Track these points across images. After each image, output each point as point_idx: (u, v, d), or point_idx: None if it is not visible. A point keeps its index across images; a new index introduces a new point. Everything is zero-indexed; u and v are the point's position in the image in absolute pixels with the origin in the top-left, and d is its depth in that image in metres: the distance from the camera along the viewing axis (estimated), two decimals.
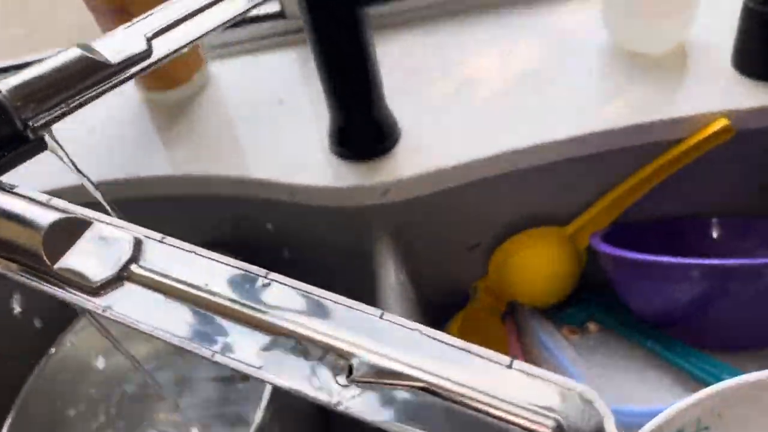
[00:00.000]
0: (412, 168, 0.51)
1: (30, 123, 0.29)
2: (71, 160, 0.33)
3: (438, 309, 0.59)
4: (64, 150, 0.32)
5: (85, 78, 0.30)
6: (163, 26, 0.33)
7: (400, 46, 0.62)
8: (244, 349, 0.19)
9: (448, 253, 0.58)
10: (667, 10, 0.53)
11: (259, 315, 0.20)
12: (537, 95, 0.54)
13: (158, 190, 0.56)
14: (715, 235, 0.54)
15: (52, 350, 0.57)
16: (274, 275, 0.21)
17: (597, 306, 0.58)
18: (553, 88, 0.54)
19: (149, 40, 0.32)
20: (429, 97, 0.56)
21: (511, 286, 0.57)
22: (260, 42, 0.66)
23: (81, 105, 0.31)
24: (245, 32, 0.66)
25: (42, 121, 0.29)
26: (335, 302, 0.20)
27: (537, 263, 0.56)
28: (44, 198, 0.26)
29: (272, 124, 0.57)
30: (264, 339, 0.19)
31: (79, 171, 0.33)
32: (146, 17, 0.34)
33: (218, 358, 0.19)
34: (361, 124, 0.52)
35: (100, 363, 0.59)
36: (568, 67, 0.56)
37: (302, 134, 0.56)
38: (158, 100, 0.62)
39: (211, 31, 0.34)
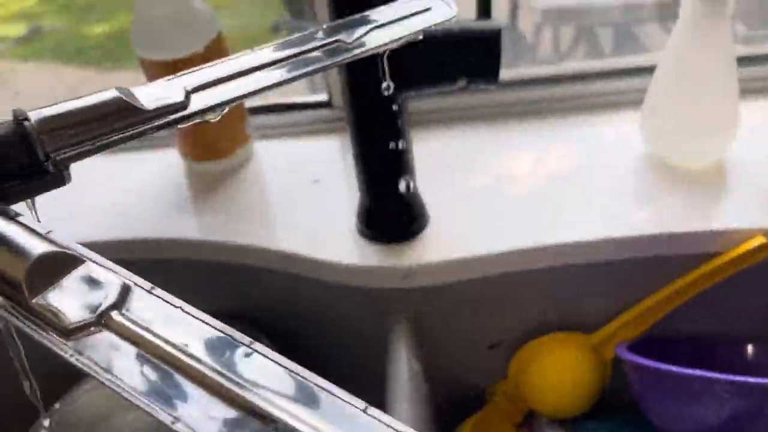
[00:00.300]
0: (436, 254, 0.51)
1: (52, 155, 0.29)
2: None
3: (450, 408, 0.57)
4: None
5: (117, 119, 0.30)
6: (205, 82, 0.34)
7: (438, 140, 0.63)
8: (205, 421, 0.18)
9: (467, 348, 0.56)
10: (709, 127, 0.54)
11: (231, 386, 0.18)
12: (569, 197, 0.54)
13: (182, 254, 0.57)
14: (750, 357, 0.51)
15: (57, 406, 0.56)
16: (258, 346, 0.19)
17: (620, 423, 0.54)
18: (585, 192, 0.54)
19: (188, 93, 0.33)
20: (461, 188, 0.56)
21: (530, 392, 0.54)
22: (306, 127, 0.68)
23: (108, 146, 0.31)
24: (293, 117, 0.69)
25: (65, 155, 0.29)
26: (318, 386, 0.18)
27: (559, 370, 0.53)
28: (43, 230, 0.26)
29: (305, 202, 0.58)
30: (230, 413, 0.18)
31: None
32: (191, 72, 0.35)
33: (178, 426, 0.18)
34: (388, 207, 0.52)
35: (107, 422, 0.57)
36: (602, 173, 0.56)
37: (333, 214, 0.56)
38: (200, 170, 0.64)
39: (251, 93, 0.35)
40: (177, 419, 0.18)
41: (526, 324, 0.55)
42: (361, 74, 0.46)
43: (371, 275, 0.51)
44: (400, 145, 0.49)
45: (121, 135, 0.30)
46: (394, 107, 0.47)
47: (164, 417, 0.18)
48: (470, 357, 0.56)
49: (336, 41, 0.34)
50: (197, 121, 0.33)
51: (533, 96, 0.64)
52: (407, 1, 0.36)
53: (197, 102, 0.33)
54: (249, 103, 0.67)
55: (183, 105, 0.32)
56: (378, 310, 0.53)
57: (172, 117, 0.31)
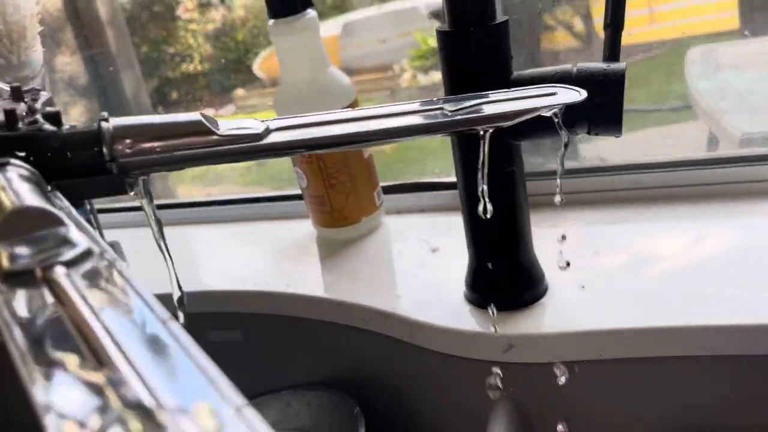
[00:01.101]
0: (545, 326, 0.45)
1: (119, 159, 0.29)
2: (153, 211, 0.34)
3: None
4: (149, 197, 0.33)
5: (187, 137, 0.31)
6: (289, 124, 0.33)
7: (580, 219, 0.58)
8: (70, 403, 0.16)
9: None
10: None
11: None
12: (719, 282, 0.45)
13: (295, 311, 0.56)
14: None
15: None
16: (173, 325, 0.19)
17: None
18: (738, 278, 0.45)
19: (268, 129, 0.32)
20: (594, 265, 0.50)
21: None
22: (436, 205, 0.67)
23: (175, 161, 0.31)
24: (425, 196, 0.68)
25: (129, 160, 0.30)
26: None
27: None
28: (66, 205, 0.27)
29: (419, 269, 0.55)
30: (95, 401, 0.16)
31: (157, 219, 0.34)
32: (287, 117, 0.34)
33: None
34: (496, 272, 0.48)
35: None
36: (760, 261, 0.46)
37: (445, 280, 0.53)
38: (328, 236, 0.65)
39: (332, 142, 0.33)
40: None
41: (651, 425, 0.45)
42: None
43: (469, 343, 0.46)
44: (513, 205, 0.45)
45: (190, 153, 0.31)
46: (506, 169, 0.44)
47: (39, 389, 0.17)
48: None
49: (438, 108, 0.33)
50: (274, 157, 0.33)
51: (682, 179, 0.57)
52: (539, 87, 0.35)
53: (275, 138, 0.32)
54: (383, 180, 0.67)
55: (259, 137, 0.32)
56: (479, 386, 0.47)
57: (245, 145, 0.31)
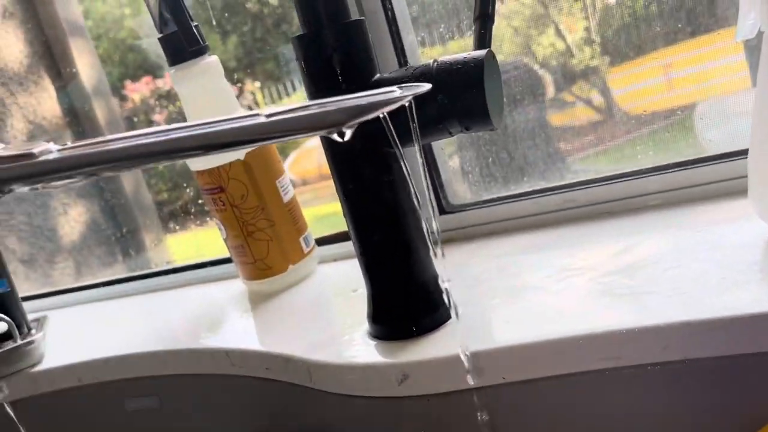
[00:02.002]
0: (442, 350, 0.39)
1: None
2: None
3: None
4: None
5: None
6: (81, 145, 0.30)
7: (496, 247, 0.53)
8: None
9: None
10: None
11: None
12: (650, 284, 0.39)
13: (211, 367, 0.52)
14: None
15: None
16: None
17: None
18: (671, 278, 0.39)
19: (50, 149, 0.29)
20: (508, 287, 0.45)
21: None
22: None
23: None
24: None
25: None
26: None
27: None
28: None
29: (334, 310, 0.51)
30: None
31: None
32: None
33: None
34: (390, 298, 0.43)
35: None
36: (697, 258, 0.41)
37: (353, 319, 0.48)
38: (255, 289, 0.61)
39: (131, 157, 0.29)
40: None
41: None
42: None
43: (361, 378, 0.41)
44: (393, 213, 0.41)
45: None
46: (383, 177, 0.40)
47: None
48: None
49: (254, 115, 0.30)
50: (51, 180, 0.29)
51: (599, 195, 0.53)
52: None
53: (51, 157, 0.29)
54: (319, 232, 0.64)
55: (33, 155, 0.28)
56: (383, 427, 0.41)
57: (20, 165, 0.28)
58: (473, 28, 0.40)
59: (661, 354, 0.35)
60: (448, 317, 0.42)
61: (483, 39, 0.40)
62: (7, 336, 0.61)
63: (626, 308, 0.37)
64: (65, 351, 0.60)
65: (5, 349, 0.58)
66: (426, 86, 0.32)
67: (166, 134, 0.29)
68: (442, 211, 0.58)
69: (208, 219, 0.95)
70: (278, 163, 0.59)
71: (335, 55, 0.39)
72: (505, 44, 0.68)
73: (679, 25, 0.55)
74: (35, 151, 0.28)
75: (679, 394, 0.36)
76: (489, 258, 0.51)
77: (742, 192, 0.42)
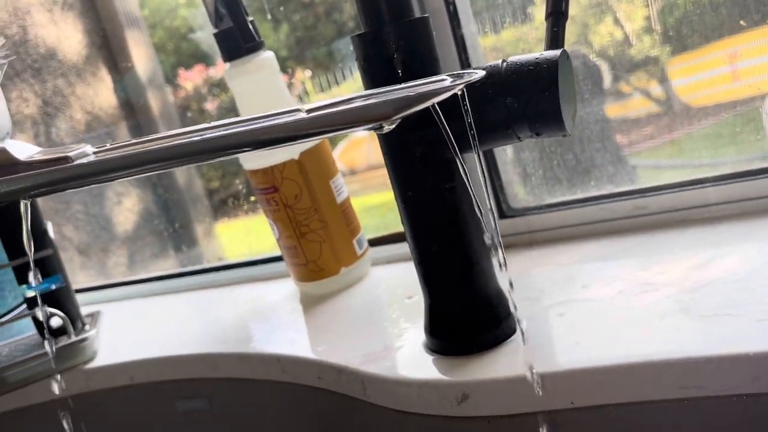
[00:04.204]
0: (509, 367, 0.37)
1: None
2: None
3: None
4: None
5: None
6: (118, 146, 0.28)
7: (564, 255, 0.50)
8: None
9: None
10: None
11: None
12: (738, 304, 0.36)
13: (257, 372, 0.51)
14: None
15: None
16: None
17: None
18: (760, 299, 0.36)
19: (86, 152, 0.28)
20: (580, 300, 0.42)
21: None
22: None
23: None
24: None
25: None
26: None
27: None
28: None
29: (388, 318, 0.49)
30: None
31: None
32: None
33: None
34: (449, 310, 0.40)
35: None
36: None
37: (410, 328, 0.46)
38: (307, 291, 0.59)
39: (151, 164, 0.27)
40: None
41: None
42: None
43: (419, 396, 0.39)
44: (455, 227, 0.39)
45: None
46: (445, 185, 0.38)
47: None
48: None
49: (294, 111, 0.28)
50: (90, 183, 0.28)
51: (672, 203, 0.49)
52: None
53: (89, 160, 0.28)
54: (366, 222, 0.62)
55: (68, 159, 0.27)
56: None
57: (56, 170, 0.27)
58: (546, 25, 0.38)
59: (750, 386, 0.32)
60: (512, 333, 0.40)
61: (556, 38, 0.37)
62: (61, 331, 0.61)
63: (710, 331, 0.34)
64: (118, 348, 0.60)
65: (60, 345, 0.58)
66: (480, 73, 0.30)
67: (201, 134, 0.27)
68: (502, 215, 0.56)
69: (258, 206, 0.95)
70: (332, 164, 0.57)
71: (397, 55, 0.37)
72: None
73: (745, 13, 0.51)
74: (71, 154, 0.26)
75: None
76: (554, 267, 0.48)
77: None
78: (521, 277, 0.48)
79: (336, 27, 1.08)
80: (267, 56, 0.54)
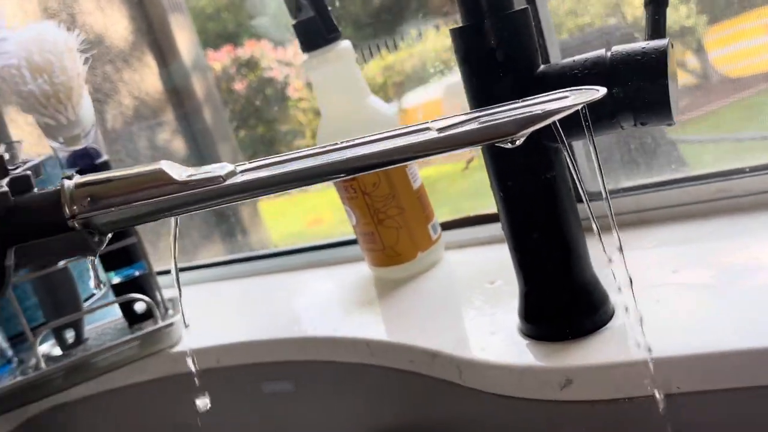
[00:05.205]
0: (611, 354, 0.38)
1: (79, 216, 0.28)
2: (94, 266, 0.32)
3: None
4: (96, 254, 0.30)
5: (147, 188, 0.28)
6: (257, 165, 0.30)
7: (660, 237, 0.50)
8: None
9: None
10: None
11: None
12: None
13: (347, 356, 0.52)
14: None
15: None
16: None
17: None
18: None
19: (233, 172, 0.29)
20: (672, 284, 0.43)
21: None
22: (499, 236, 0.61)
23: (138, 216, 0.28)
24: (485, 230, 0.62)
25: (90, 217, 0.28)
26: None
27: None
28: None
29: (473, 302, 0.50)
30: None
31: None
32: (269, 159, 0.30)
33: None
34: (547, 296, 0.41)
35: None
36: None
37: (496, 313, 0.47)
38: (383, 276, 0.61)
39: (302, 175, 0.28)
40: None
41: None
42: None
43: (520, 381, 0.40)
44: (556, 215, 0.40)
45: (152, 206, 0.28)
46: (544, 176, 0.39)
47: None
48: None
49: (425, 129, 0.29)
50: (240, 200, 0.29)
51: (755, 186, 0.49)
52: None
53: (238, 179, 0.29)
54: (442, 218, 0.63)
55: (219, 179, 0.28)
56: (536, 429, 0.40)
57: (208, 190, 0.28)
58: (645, 13, 0.38)
59: None
60: (608, 319, 0.41)
61: (657, 26, 0.37)
62: (146, 316, 0.63)
63: None
64: (201, 332, 0.62)
65: (147, 330, 0.61)
66: (602, 91, 0.30)
67: (341, 153, 0.28)
68: (579, 199, 0.56)
69: None
70: None
71: (498, 49, 0.37)
72: (592, 4, 0.64)
73: None
74: (222, 174, 0.28)
75: None
76: (641, 251, 0.49)
77: None
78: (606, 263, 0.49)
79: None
80: (345, 45, 0.55)
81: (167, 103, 1.36)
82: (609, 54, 0.36)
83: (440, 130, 0.27)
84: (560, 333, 0.41)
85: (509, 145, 0.27)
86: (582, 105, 0.28)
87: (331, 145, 0.28)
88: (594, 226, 0.35)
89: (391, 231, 0.58)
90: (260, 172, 0.27)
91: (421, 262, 0.59)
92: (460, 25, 0.38)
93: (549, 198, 0.39)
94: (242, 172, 0.28)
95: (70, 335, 0.63)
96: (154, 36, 1.36)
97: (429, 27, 1.07)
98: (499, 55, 0.37)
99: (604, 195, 0.33)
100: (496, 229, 0.61)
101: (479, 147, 0.32)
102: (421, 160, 0.28)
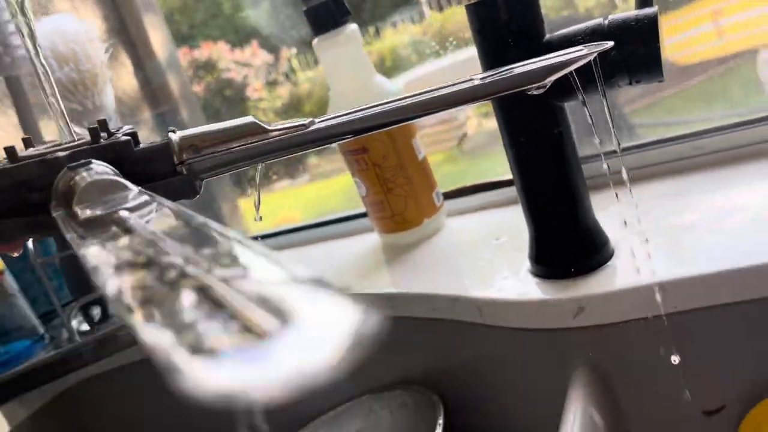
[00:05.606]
0: (617, 283, 0.43)
1: (186, 163, 0.33)
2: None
3: None
4: (196, 196, 0.35)
5: (243, 137, 0.33)
6: (331, 116, 0.34)
7: (643, 194, 0.57)
8: None
9: (671, 411, 0.45)
10: None
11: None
12: None
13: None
14: None
15: None
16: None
17: None
18: None
19: (313, 121, 0.33)
20: (664, 227, 0.49)
21: None
22: (496, 202, 0.67)
23: (237, 161, 0.34)
24: (485, 197, 0.68)
25: (196, 164, 0.33)
26: None
27: None
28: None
29: (482, 256, 0.55)
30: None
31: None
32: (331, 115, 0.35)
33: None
34: (556, 240, 0.47)
35: None
36: None
37: (506, 262, 0.52)
38: (391, 241, 0.66)
39: (374, 124, 0.34)
40: None
41: (752, 379, 0.42)
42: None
43: (537, 313, 0.45)
44: (563, 165, 0.45)
45: (248, 151, 0.33)
46: (552, 116, 0.44)
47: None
48: (678, 423, 0.45)
49: (469, 80, 0.34)
50: (323, 144, 0.34)
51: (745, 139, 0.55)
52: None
53: (320, 125, 0.34)
54: (443, 187, 0.68)
55: (305, 126, 0.33)
56: (554, 357, 0.46)
57: (296, 135, 0.33)
58: None
59: None
60: (609, 258, 0.46)
61: None
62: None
63: None
64: None
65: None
66: (609, 43, 0.36)
67: (401, 102, 0.33)
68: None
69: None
70: (413, 124, 0.63)
71: (511, 21, 0.43)
72: None
73: None
74: (305, 122, 0.32)
75: None
76: (626, 205, 0.55)
77: None
78: (598, 213, 0.55)
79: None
80: (354, 28, 0.60)
81: (143, 102, 1.38)
82: (606, 22, 0.42)
83: (483, 79, 0.32)
84: (568, 271, 0.46)
85: (540, 91, 0.32)
86: (595, 54, 0.34)
87: (390, 101, 0.33)
88: (604, 165, 0.41)
89: (399, 199, 0.63)
90: (335, 120, 0.32)
91: (427, 228, 0.64)
92: (475, 1, 0.44)
93: (557, 152, 0.45)
94: (319, 121, 0.32)
95: (96, 312, 0.66)
96: (128, 35, 1.38)
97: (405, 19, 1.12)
98: (512, 26, 0.43)
99: (615, 143, 0.39)
100: (493, 196, 0.67)
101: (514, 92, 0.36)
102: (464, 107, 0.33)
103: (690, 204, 0.51)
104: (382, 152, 0.61)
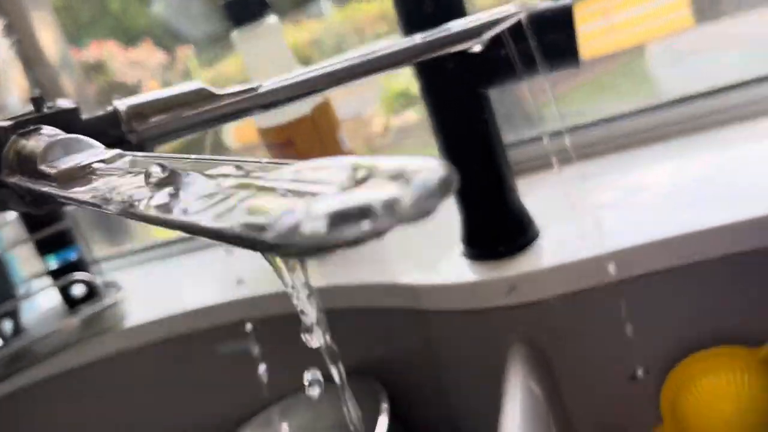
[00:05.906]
0: (542, 262, 0.45)
1: (135, 130, 0.33)
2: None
3: None
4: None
5: (190, 103, 0.33)
6: (281, 79, 0.35)
7: (543, 181, 0.59)
8: None
9: (600, 381, 0.47)
10: None
11: None
12: (716, 195, 0.46)
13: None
14: None
15: None
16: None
17: None
18: (735, 190, 0.46)
19: (260, 85, 0.34)
20: (582, 206, 0.51)
21: (688, 428, 0.44)
22: None
23: (187, 128, 0.34)
24: None
25: (145, 132, 0.33)
26: None
27: (719, 395, 0.43)
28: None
29: (415, 241, 0.56)
30: None
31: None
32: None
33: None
34: (484, 222, 0.49)
35: None
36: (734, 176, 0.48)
37: (439, 245, 0.53)
38: None
39: (320, 85, 0.35)
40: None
41: (674, 343, 0.45)
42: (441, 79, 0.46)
43: (471, 293, 0.47)
44: (488, 147, 0.47)
45: (199, 118, 0.33)
46: (478, 102, 0.46)
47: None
48: (607, 390, 0.47)
49: (410, 40, 0.35)
50: (273, 107, 0.34)
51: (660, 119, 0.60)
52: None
53: (268, 85, 0.34)
54: None
55: (254, 89, 0.33)
56: (491, 335, 0.48)
57: (246, 98, 0.33)
58: None
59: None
60: (535, 237, 0.49)
61: None
62: (87, 298, 0.64)
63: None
64: (145, 309, 0.64)
65: (89, 312, 0.61)
66: (542, 3, 0.38)
67: (347, 63, 0.34)
68: None
69: None
70: (337, 118, 0.63)
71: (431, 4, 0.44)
72: None
73: None
74: (254, 86, 0.32)
75: None
76: (545, 189, 0.57)
77: None
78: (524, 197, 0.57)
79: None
80: (274, 20, 0.59)
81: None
82: (524, 12, 0.44)
83: (424, 38, 0.33)
84: (497, 252, 0.48)
85: (479, 48, 0.34)
86: (524, 13, 0.36)
87: (336, 62, 0.34)
88: (546, 140, 0.42)
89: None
90: (286, 80, 0.32)
91: None
92: None
93: (484, 138, 0.46)
94: (268, 85, 0.32)
95: (8, 326, 0.62)
96: (16, 35, 1.30)
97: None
98: (431, 9, 0.44)
99: (562, 126, 0.41)
100: None
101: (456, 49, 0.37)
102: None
103: (602, 185, 0.54)
104: (308, 145, 0.61)
